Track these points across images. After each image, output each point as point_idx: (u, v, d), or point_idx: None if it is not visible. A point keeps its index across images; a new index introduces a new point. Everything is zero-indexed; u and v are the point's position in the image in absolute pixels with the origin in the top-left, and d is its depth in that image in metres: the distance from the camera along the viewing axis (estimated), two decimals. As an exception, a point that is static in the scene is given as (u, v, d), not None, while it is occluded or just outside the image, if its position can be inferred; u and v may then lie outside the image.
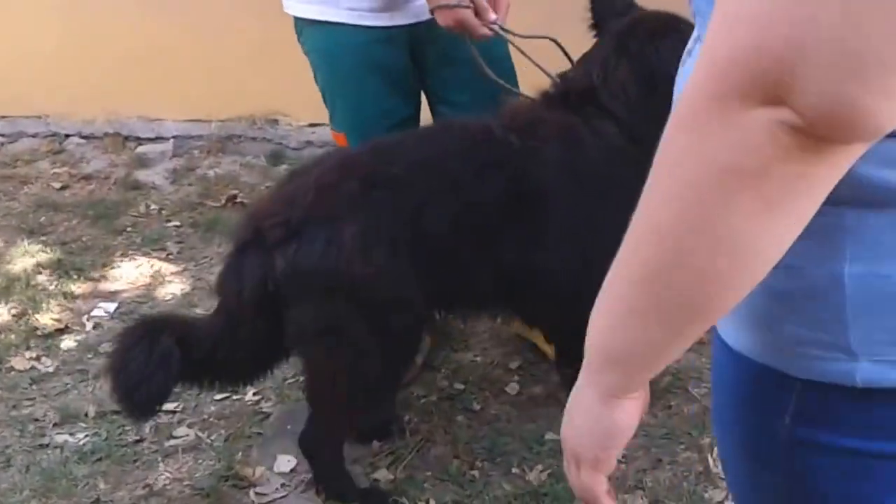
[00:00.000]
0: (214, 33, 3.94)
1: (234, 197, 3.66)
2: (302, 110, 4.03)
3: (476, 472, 2.10)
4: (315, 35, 2.19)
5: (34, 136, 4.38)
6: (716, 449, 2.06)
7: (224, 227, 3.40)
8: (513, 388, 2.44)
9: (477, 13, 1.94)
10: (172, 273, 3.15)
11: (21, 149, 4.29)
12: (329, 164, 1.90)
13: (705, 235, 0.55)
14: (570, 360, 2.26)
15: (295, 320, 1.78)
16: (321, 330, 1.80)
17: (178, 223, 3.52)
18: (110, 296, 3.00)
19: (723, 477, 1.96)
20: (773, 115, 0.51)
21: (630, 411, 0.71)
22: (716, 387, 0.82)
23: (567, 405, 0.76)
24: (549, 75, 2.04)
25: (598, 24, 2.05)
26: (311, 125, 4.06)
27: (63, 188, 3.87)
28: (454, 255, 1.84)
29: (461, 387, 2.44)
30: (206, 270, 3.13)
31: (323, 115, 2.35)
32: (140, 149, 4.17)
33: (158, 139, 4.23)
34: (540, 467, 2.10)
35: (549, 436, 2.22)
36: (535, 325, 2.35)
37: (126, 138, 4.26)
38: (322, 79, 2.26)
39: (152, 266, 3.19)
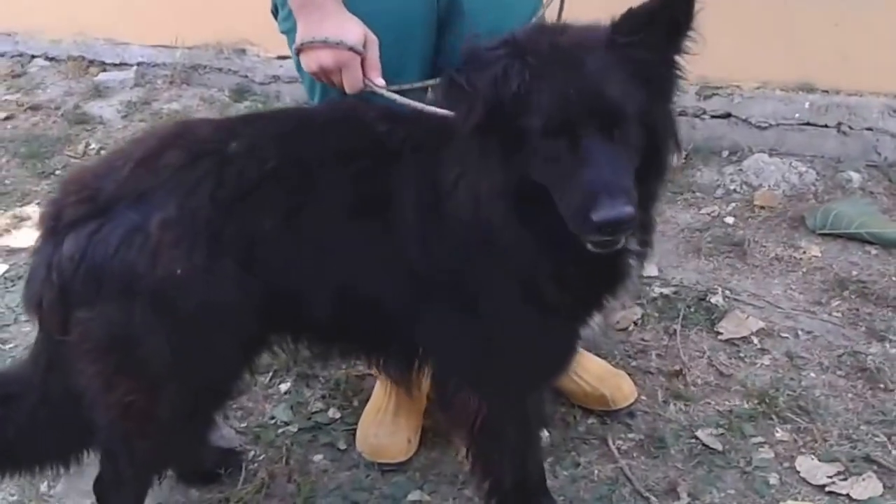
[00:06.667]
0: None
1: (180, 140, 3.25)
2: (271, 40, 3.55)
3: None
4: None
5: (1, 55, 4.10)
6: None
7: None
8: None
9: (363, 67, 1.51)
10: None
11: (-16, 69, 4.02)
12: (165, 130, 1.55)
13: None
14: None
15: (79, 324, 1.39)
16: (108, 342, 1.40)
17: (111, 169, 3.15)
18: (5, 255, 2.68)
19: None
20: None
21: None
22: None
23: None
24: None
25: None
26: (280, 57, 3.60)
27: (7, 118, 3.56)
28: (290, 263, 1.43)
29: (336, 415, 2.01)
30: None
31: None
32: (101, 76, 3.82)
33: (123, 65, 3.86)
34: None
35: (413, 495, 1.78)
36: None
37: (91, 63, 3.92)
38: None
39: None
